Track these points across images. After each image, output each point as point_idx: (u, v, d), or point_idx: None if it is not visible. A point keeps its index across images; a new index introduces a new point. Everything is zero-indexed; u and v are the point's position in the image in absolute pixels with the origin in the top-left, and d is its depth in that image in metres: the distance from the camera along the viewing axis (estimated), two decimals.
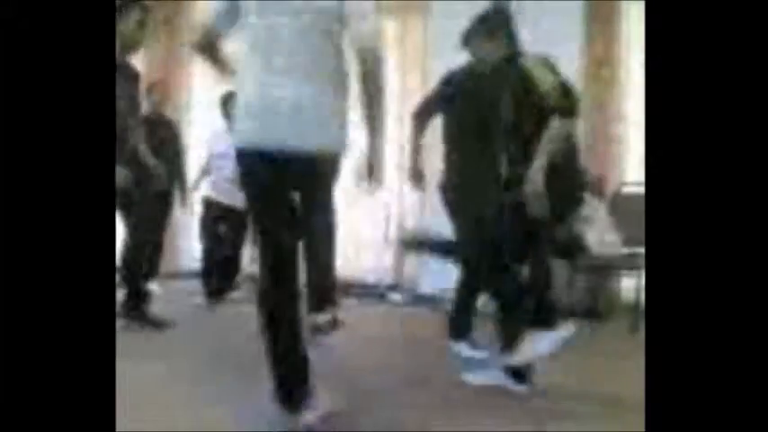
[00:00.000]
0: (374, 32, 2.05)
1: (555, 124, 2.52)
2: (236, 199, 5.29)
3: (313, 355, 2.22)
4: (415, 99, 5.64)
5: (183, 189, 5.28)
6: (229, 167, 5.15)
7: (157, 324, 3.90)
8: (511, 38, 2.74)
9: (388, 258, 5.82)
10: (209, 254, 5.32)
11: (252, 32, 2.07)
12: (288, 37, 2.02)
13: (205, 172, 5.29)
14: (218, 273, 5.34)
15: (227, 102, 5.23)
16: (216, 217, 5.28)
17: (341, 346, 3.50)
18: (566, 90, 2.57)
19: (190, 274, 5.82)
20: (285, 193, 2.16)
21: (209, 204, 5.28)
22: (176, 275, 5.96)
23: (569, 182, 2.72)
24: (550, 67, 2.63)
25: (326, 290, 3.56)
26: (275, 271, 2.16)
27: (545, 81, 2.57)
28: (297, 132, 2.03)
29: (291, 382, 2.17)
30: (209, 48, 2.24)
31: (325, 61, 2.05)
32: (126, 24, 3.56)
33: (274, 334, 2.15)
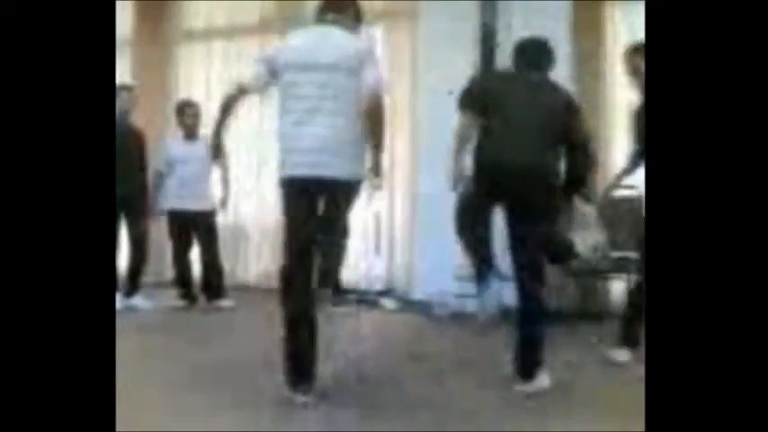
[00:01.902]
0: (378, 80, 2.58)
1: None
2: (202, 203, 5.17)
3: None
4: (404, 103, 5.70)
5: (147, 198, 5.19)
6: (190, 171, 5.08)
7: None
8: None
9: (379, 265, 5.83)
10: (184, 265, 5.27)
11: (285, 86, 2.64)
12: (311, 88, 2.56)
13: (161, 176, 5.17)
14: (207, 279, 5.29)
15: (182, 110, 5.23)
16: (185, 226, 5.18)
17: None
18: None
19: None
20: (310, 210, 2.64)
21: (174, 215, 5.18)
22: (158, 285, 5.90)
23: None
24: None
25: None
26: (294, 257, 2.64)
27: None
28: (319, 164, 2.54)
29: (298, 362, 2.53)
30: (231, 102, 2.76)
31: (342, 105, 2.55)
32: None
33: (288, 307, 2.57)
